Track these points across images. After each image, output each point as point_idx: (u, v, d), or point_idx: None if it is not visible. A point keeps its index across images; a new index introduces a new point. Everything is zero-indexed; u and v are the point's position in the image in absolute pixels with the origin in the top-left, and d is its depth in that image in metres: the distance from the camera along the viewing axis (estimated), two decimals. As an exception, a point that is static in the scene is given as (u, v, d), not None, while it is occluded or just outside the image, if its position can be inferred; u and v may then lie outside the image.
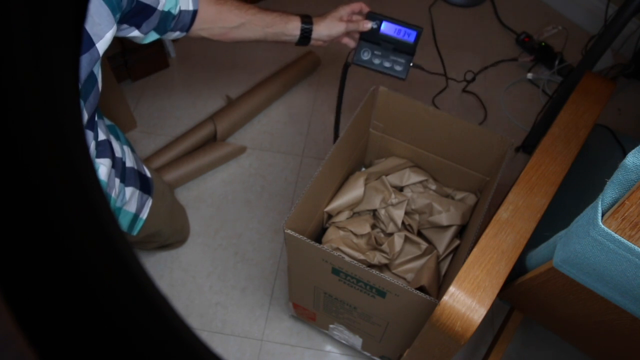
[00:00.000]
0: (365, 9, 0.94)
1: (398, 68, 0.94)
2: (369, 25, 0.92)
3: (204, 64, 1.64)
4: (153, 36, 0.82)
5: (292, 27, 0.92)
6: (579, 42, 1.69)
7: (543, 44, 1.67)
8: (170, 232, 1.15)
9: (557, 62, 1.62)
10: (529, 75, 1.64)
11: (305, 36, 0.93)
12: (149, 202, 0.98)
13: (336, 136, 1.19)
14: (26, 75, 0.18)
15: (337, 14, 0.93)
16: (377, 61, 0.94)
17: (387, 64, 0.94)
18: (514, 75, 1.67)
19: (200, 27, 0.87)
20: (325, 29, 0.93)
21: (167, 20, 0.81)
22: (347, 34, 0.95)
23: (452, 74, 1.64)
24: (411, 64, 0.94)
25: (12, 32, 0.17)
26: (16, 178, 0.18)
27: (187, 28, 0.86)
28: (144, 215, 0.97)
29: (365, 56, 0.94)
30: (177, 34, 0.86)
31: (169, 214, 1.11)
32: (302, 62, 1.59)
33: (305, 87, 1.61)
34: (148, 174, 1.00)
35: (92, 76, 0.69)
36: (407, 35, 0.92)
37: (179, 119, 1.52)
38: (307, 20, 0.92)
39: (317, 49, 1.64)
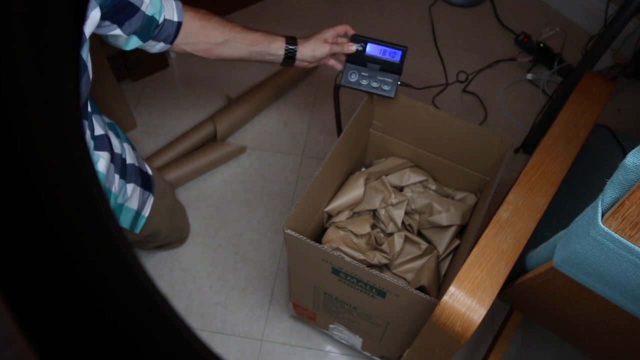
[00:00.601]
0: (350, 32, 0.95)
1: (386, 87, 0.95)
2: (353, 47, 0.93)
3: (204, 64, 1.64)
4: (135, 42, 0.82)
5: (276, 47, 0.92)
6: (578, 42, 1.69)
7: (542, 44, 1.67)
8: (169, 232, 1.15)
9: (556, 63, 1.62)
10: (529, 76, 1.64)
11: (290, 56, 0.94)
12: (151, 200, 0.98)
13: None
14: (26, 75, 0.18)
15: (322, 36, 0.94)
16: (364, 82, 0.95)
17: (375, 84, 0.95)
18: (514, 75, 1.67)
19: (184, 42, 0.87)
20: (309, 50, 0.93)
21: (150, 26, 0.81)
22: (333, 55, 0.96)
23: (452, 74, 1.64)
24: (399, 83, 0.95)
25: (12, 31, 0.17)
26: (16, 178, 0.18)
27: (171, 40, 0.86)
28: (146, 212, 0.97)
29: (353, 78, 0.95)
30: (161, 45, 0.86)
31: (170, 212, 1.11)
32: (302, 62, 1.59)
33: (305, 87, 1.61)
34: (149, 171, 1.00)
35: (80, 61, 0.69)
36: (393, 55, 0.93)
37: (179, 119, 1.52)
38: (291, 41, 0.93)
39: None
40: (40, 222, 0.19)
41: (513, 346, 1.19)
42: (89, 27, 0.67)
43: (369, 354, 1.13)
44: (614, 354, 0.84)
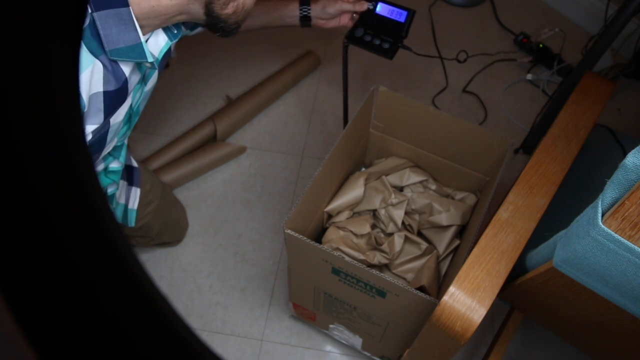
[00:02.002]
0: None
1: (385, 46, 0.98)
2: (365, 5, 0.99)
3: (204, 64, 1.64)
4: (188, 32, 0.91)
5: (292, 9, 1.02)
6: (578, 42, 1.69)
7: (541, 45, 1.67)
8: (162, 226, 1.15)
9: (556, 63, 1.62)
10: (529, 76, 1.64)
11: (305, 15, 1.02)
12: (137, 192, 1.00)
13: (345, 119, 1.22)
14: (26, 74, 0.18)
15: None
16: (368, 38, 0.99)
17: (376, 42, 0.98)
18: (514, 75, 1.67)
19: None
20: (320, 6, 1.01)
21: None
22: (352, 16, 1.02)
23: (452, 75, 1.64)
24: (399, 45, 0.98)
25: (12, 31, 0.17)
26: (15, 177, 0.18)
27: None
28: (134, 205, 1.00)
29: (358, 33, 0.99)
30: (199, 29, 0.94)
31: (159, 206, 1.11)
32: (302, 62, 1.59)
33: (305, 87, 1.61)
34: (134, 163, 1.02)
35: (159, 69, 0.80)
36: (399, 16, 0.98)
37: (179, 119, 1.52)
38: (305, 2, 1.02)
39: (318, 49, 1.64)
40: (40, 222, 0.19)
41: (513, 346, 1.19)
42: (162, 52, 0.76)
43: (369, 354, 1.13)
44: (614, 353, 0.84)
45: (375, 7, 0.98)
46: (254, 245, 1.31)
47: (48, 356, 0.18)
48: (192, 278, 1.26)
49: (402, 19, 0.97)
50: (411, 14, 0.97)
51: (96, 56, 0.64)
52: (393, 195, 1.08)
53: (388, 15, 0.98)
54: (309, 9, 1.01)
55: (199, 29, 0.93)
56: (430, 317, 0.70)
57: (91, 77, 0.64)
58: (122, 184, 0.97)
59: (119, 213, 0.98)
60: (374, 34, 0.98)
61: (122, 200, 0.98)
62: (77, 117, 0.23)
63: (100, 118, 0.69)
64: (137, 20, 0.65)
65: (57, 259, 0.19)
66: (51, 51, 0.19)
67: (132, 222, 1.00)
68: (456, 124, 0.99)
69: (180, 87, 1.59)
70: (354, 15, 1.01)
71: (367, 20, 0.99)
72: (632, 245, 0.50)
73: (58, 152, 0.20)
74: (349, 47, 1.02)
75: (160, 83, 1.62)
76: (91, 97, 0.66)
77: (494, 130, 0.96)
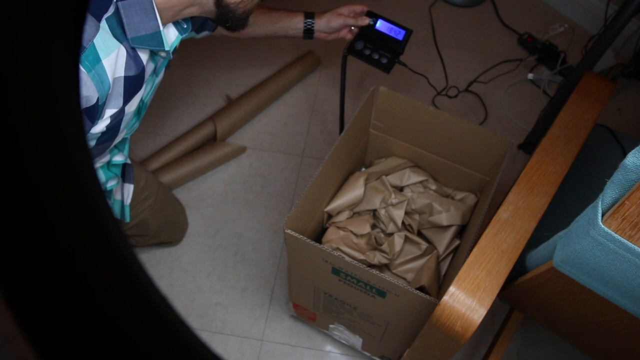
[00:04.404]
0: (365, 9, 1.05)
1: (384, 61, 1.03)
2: (366, 20, 1.03)
3: (203, 64, 1.64)
4: (193, 34, 0.93)
5: (297, 22, 1.05)
6: (578, 42, 1.69)
7: (547, 42, 1.66)
8: (160, 226, 1.15)
9: (559, 62, 1.62)
10: (530, 76, 1.64)
11: (309, 29, 1.06)
12: (130, 189, 1.01)
13: (342, 125, 1.23)
14: (26, 75, 0.18)
15: (338, 10, 1.05)
16: (367, 52, 1.04)
17: (375, 56, 1.04)
18: (515, 75, 1.66)
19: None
20: (324, 21, 1.05)
21: (205, 22, 0.92)
22: (350, 29, 1.06)
23: (453, 75, 1.64)
24: (396, 61, 1.04)
25: (12, 32, 0.17)
26: (16, 178, 0.18)
27: (214, 28, 0.96)
28: (128, 201, 1.02)
29: (359, 47, 1.04)
30: (206, 33, 0.96)
31: (155, 203, 1.12)
32: (302, 62, 1.59)
33: (305, 87, 1.61)
34: (127, 160, 1.03)
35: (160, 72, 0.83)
36: (397, 34, 1.03)
37: (179, 118, 1.52)
38: (309, 15, 1.06)
39: (318, 49, 1.64)
40: (40, 222, 0.19)
41: (513, 346, 1.19)
42: (173, 46, 0.76)
43: (369, 354, 1.13)
44: (614, 354, 0.84)
45: (375, 23, 1.03)
46: (254, 245, 1.31)
47: (48, 356, 0.18)
48: (192, 278, 1.26)
49: (400, 37, 1.03)
50: (409, 33, 1.03)
51: (120, 42, 0.67)
52: (393, 195, 1.08)
53: (387, 32, 1.03)
54: (313, 23, 1.05)
55: (206, 33, 0.94)
56: (430, 317, 0.70)
57: (116, 60, 0.67)
58: (118, 179, 0.98)
59: (116, 209, 1.00)
60: (373, 48, 1.03)
61: (118, 197, 1.00)
62: (78, 117, 0.23)
63: (119, 102, 0.72)
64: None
65: (56, 259, 0.19)
66: (51, 51, 0.19)
67: (127, 217, 1.02)
68: (456, 124, 0.99)
69: (180, 87, 1.59)
70: (352, 28, 1.06)
71: (367, 34, 1.04)
72: (632, 245, 0.50)
73: (58, 153, 0.20)
74: (347, 57, 1.06)
75: (161, 83, 1.62)
76: (114, 81, 0.68)
77: (494, 130, 0.97)
